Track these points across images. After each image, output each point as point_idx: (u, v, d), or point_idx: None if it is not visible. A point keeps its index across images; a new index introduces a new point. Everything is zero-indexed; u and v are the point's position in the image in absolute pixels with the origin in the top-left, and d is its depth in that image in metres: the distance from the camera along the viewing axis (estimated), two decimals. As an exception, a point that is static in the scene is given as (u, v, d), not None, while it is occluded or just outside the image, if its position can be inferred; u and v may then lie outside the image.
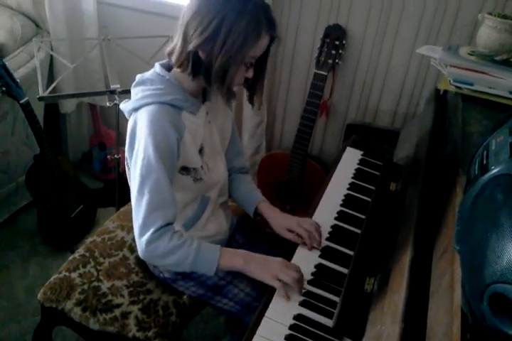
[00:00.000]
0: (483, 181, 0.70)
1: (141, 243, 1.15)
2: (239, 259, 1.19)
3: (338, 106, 2.13)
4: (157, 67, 1.22)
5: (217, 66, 1.11)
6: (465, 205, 0.76)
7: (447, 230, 0.93)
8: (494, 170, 0.69)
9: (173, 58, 1.17)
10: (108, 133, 2.61)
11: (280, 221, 1.36)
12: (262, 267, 1.18)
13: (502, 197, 0.65)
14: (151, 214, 1.13)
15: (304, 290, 1.18)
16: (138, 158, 1.14)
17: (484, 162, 0.74)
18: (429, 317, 0.80)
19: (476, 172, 0.75)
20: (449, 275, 0.81)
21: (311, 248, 1.30)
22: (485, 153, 0.76)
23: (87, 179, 2.58)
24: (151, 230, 1.12)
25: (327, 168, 2.11)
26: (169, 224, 1.16)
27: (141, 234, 1.14)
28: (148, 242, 1.13)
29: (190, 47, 1.12)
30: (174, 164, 1.18)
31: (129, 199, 1.67)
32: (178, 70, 1.19)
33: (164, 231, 1.14)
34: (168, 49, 1.19)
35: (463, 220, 0.76)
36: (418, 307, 0.84)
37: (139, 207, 1.14)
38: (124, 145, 1.27)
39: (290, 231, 1.33)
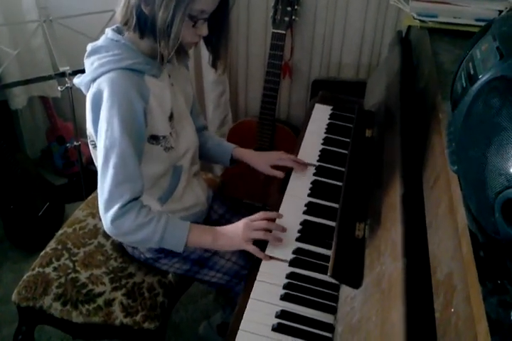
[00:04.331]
0: (475, 90, 0.64)
1: (106, 219, 1.08)
2: (207, 237, 1.15)
3: (301, 65, 2.06)
4: (109, 33, 1.13)
5: (160, 20, 1.02)
6: (455, 123, 0.70)
7: (435, 159, 0.88)
8: (486, 76, 0.63)
9: (119, 17, 1.08)
10: (65, 126, 2.47)
11: (261, 159, 1.41)
12: (228, 239, 1.15)
13: (499, 101, 0.59)
14: (117, 188, 1.06)
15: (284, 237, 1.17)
16: (101, 130, 1.06)
17: (472, 72, 0.68)
18: (431, 248, 0.75)
19: (465, 85, 0.69)
20: (446, 201, 0.75)
21: (306, 168, 1.38)
22: (470, 64, 0.70)
23: (50, 176, 2.43)
24: (117, 205, 1.06)
25: (297, 130, 2.04)
26: (136, 198, 1.09)
27: (107, 209, 1.07)
28: (114, 218, 1.06)
29: (133, 0, 1.03)
30: (141, 134, 1.10)
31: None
32: (131, 32, 1.10)
33: (131, 207, 1.07)
34: (117, 10, 1.10)
35: (455, 139, 0.70)
36: (417, 242, 0.79)
37: (104, 181, 1.07)
38: (83, 134, 1.17)
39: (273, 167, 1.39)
